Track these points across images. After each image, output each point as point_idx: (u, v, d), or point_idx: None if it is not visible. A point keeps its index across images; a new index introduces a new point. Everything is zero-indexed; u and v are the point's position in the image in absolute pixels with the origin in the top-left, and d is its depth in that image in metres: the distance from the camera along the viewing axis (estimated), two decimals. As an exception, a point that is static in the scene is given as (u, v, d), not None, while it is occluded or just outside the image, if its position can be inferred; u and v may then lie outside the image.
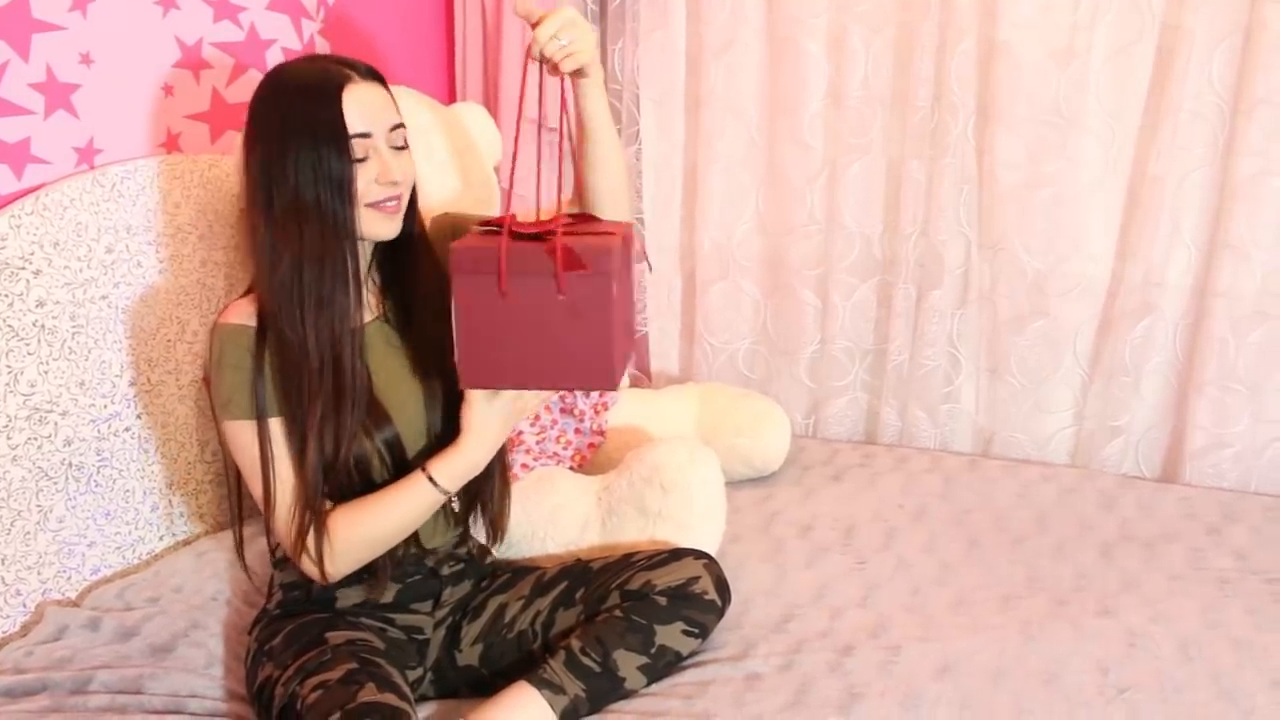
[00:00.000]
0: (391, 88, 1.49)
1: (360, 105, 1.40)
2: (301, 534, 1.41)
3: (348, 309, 1.42)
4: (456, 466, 1.43)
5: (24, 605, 1.72)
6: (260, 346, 1.43)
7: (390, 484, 1.46)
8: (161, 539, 1.96)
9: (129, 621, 1.65)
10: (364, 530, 1.43)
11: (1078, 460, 2.34)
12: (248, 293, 1.49)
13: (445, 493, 1.43)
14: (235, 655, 1.61)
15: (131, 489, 1.89)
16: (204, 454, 2.02)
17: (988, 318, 2.34)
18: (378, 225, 1.44)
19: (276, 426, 1.44)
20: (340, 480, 1.45)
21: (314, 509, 1.42)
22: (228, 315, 1.46)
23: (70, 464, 1.78)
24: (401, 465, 1.48)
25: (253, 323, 1.44)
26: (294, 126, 1.38)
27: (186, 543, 1.96)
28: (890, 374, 2.39)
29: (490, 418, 1.41)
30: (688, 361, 2.60)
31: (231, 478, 1.54)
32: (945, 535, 1.96)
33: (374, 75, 1.45)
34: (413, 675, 1.55)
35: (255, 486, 1.45)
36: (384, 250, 1.54)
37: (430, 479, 1.42)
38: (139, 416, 1.89)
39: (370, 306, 1.54)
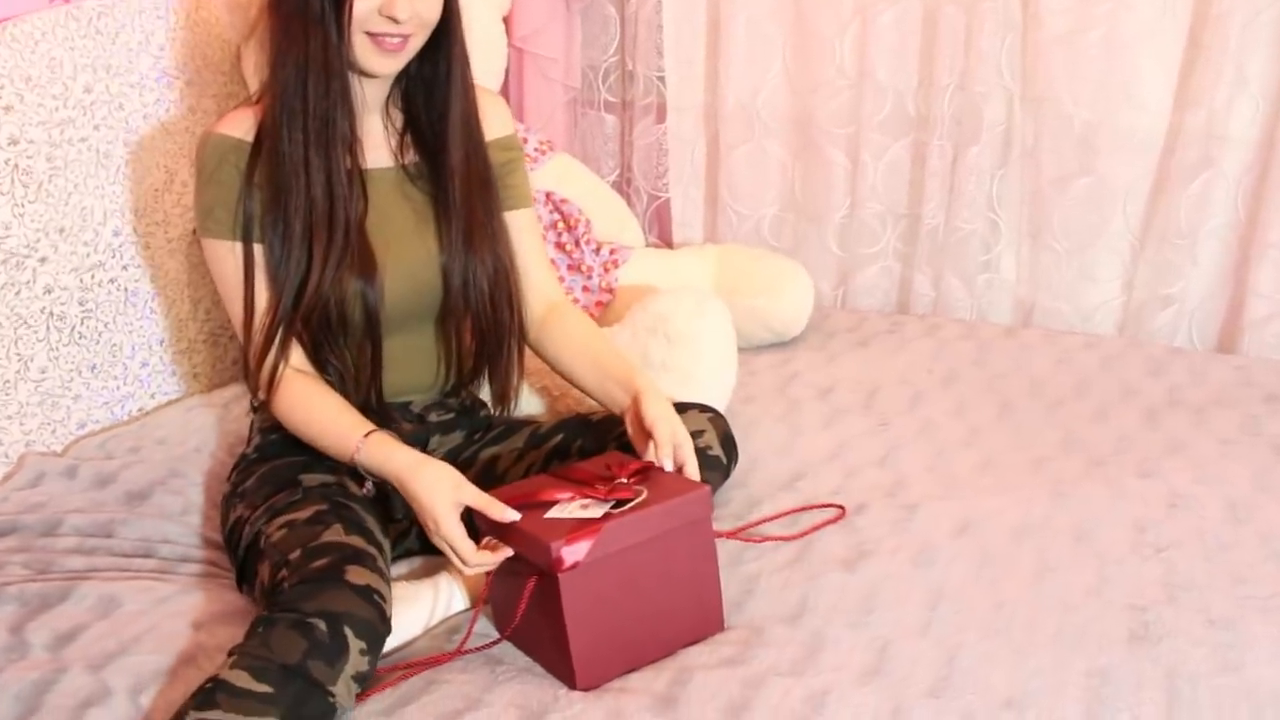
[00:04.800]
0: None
1: None
2: (260, 362, 1.35)
3: (348, 136, 1.35)
4: (385, 463, 1.28)
5: (5, 455, 1.66)
6: (253, 165, 1.35)
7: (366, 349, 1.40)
8: (153, 397, 1.89)
9: (107, 469, 1.59)
10: (298, 416, 1.36)
11: (1125, 333, 2.19)
12: (257, 102, 1.39)
13: (358, 463, 1.31)
14: (214, 503, 1.54)
15: (119, 343, 1.82)
16: (196, 312, 1.94)
17: (1030, 177, 2.18)
18: (370, 58, 1.34)
19: (259, 253, 1.36)
20: (315, 319, 1.37)
21: (277, 339, 1.35)
22: (222, 125, 1.38)
23: (51, 313, 1.71)
24: (378, 319, 1.39)
25: (249, 138, 1.36)
26: None
27: (177, 402, 1.89)
28: (924, 240, 2.24)
29: (438, 497, 1.23)
30: (711, 229, 2.47)
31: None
32: (976, 399, 1.83)
33: None
34: (397, 528, 1.46)
35: (233, 310, 1.39)
36: (413, 92, 1.43)
37: (360, 445, 1.30)
38: (125, 268, 1.81)
39: (385, 150, 1.44)
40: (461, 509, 1.22)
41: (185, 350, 1.93)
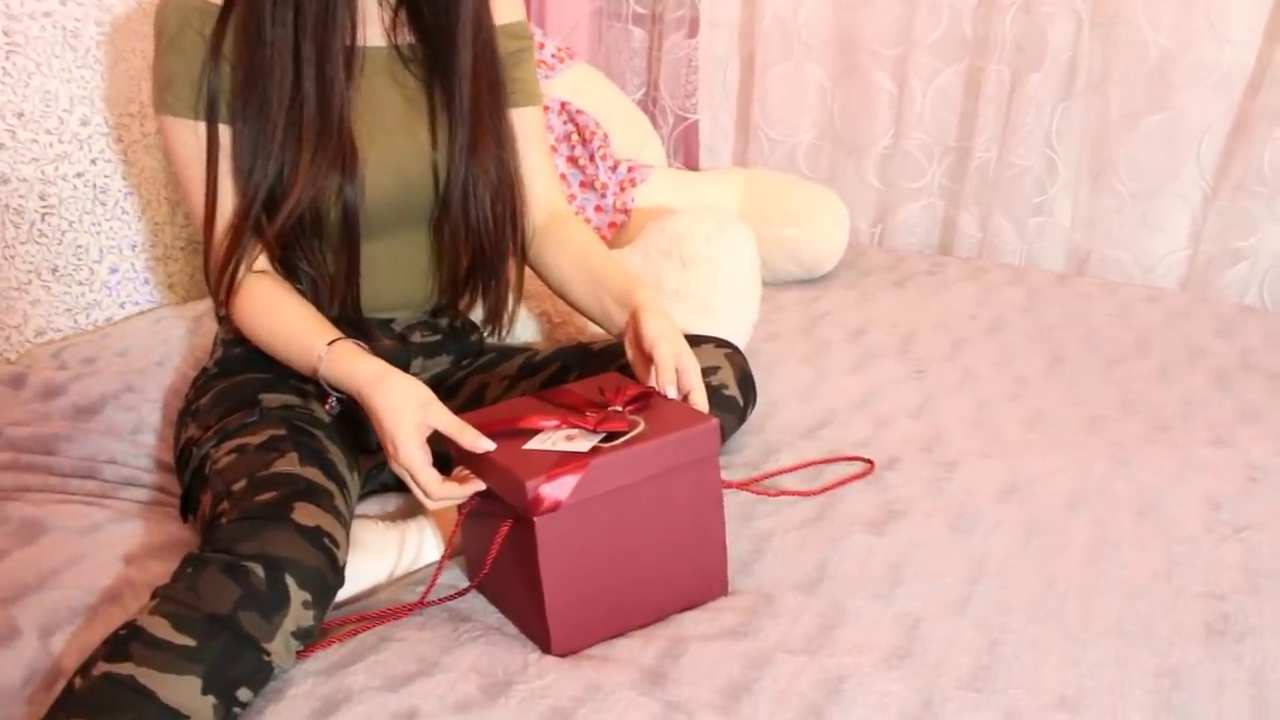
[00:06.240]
0: None
1: None
2: (223, 264, 1.19)
3: (348, 28, 1.18)
4: (349, 375, 1.11)
5: (-50, 361, 1.52)
6: (220, 32, 1.17)
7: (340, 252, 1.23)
8: (122, 307, 1.73)
9: (57, 380, 1.44)
10: (262, 324, 1.20)
11: (1189, 288, 1.99)
12: None
13: (321, 376, 1.15)
14: (170, 422, 1.39)
15: (85, 245, 1.66)
16: (175, 216, 1.77)
17: (1095, 112, 1.98)
18: None
19: (225, 137, 1.19)
20: (287, 219, 1.20)
21: (245, 238, 1.19)
22: None
23: (7, 206, 1.55)
24: (356, 219, 1.22)
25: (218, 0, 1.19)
26: None
27: (148, 313, 1.74)
28: (973, 176, 2.05)
29: (401, 417, 1.06)
30: (741, 155, 2.29)
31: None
32: (1024, 349, 1.65)
33: None
34: (371, 460, 1.31)
35: (192, 202, 1.23)
36: None
37: (323, 354, 1.14)
38: (94, 162, 1.64)
39: (378, 26, 1.27)
40: (428, 432, 1.05)
41: (161, 257, 1.77)
